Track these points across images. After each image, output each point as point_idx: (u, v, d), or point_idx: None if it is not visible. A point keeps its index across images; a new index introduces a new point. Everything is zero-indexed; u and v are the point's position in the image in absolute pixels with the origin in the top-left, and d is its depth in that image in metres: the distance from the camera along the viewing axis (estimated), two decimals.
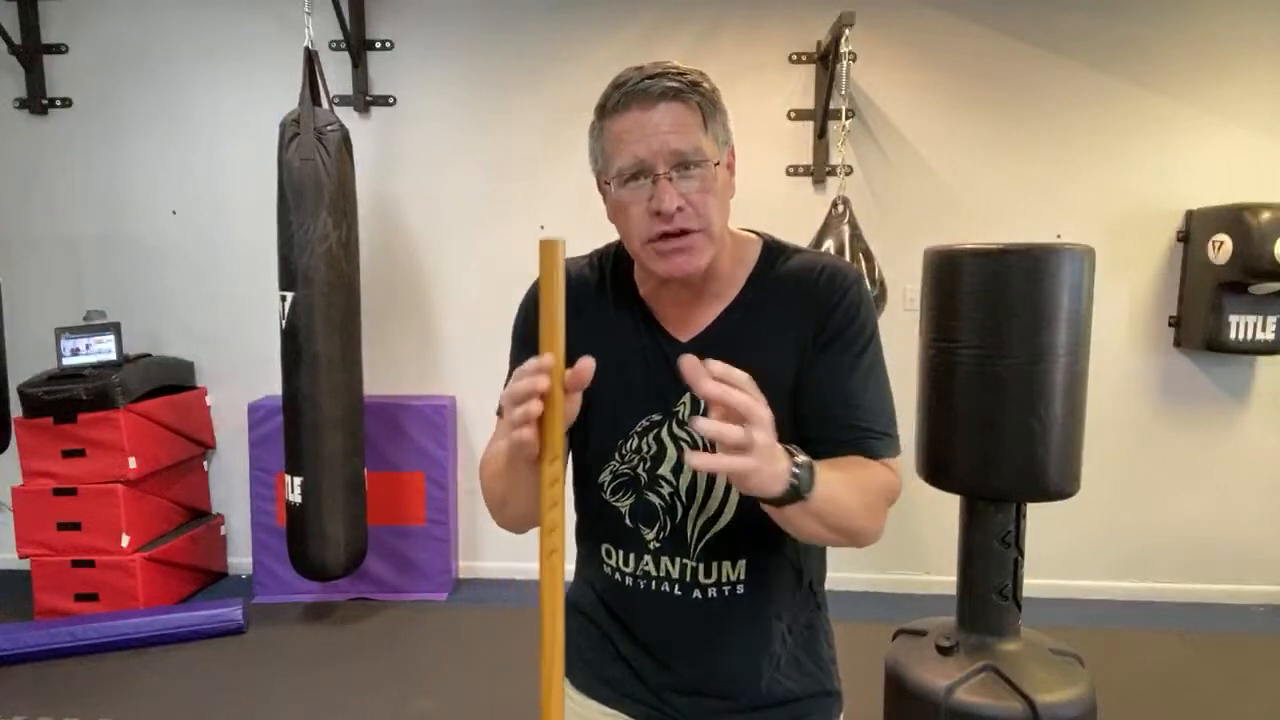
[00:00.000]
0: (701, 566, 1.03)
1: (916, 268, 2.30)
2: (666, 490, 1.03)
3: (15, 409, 3.26)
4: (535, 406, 0.80)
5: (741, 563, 1.03)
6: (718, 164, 0.97)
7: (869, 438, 0.99)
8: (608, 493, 1.06)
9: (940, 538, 3.27)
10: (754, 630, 1.06)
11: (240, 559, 3.86)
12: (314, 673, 2.96)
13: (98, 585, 3.32)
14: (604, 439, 1.06)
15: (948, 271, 2.11)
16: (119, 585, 3.31)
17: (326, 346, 3.07)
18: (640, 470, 1.04)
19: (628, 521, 1.06)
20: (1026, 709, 1.95)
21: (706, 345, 0.99)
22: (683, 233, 0.95)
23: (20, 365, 3.32)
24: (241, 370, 3.74)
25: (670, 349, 1.02)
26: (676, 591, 1.05)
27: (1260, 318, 3.27)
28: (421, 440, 3.56)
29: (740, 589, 1.04)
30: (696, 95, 0.95)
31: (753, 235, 1.09)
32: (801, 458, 0.83)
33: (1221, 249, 3.22)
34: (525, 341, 1.07)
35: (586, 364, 0.82)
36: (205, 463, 3.86)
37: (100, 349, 3.41)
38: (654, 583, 1.06)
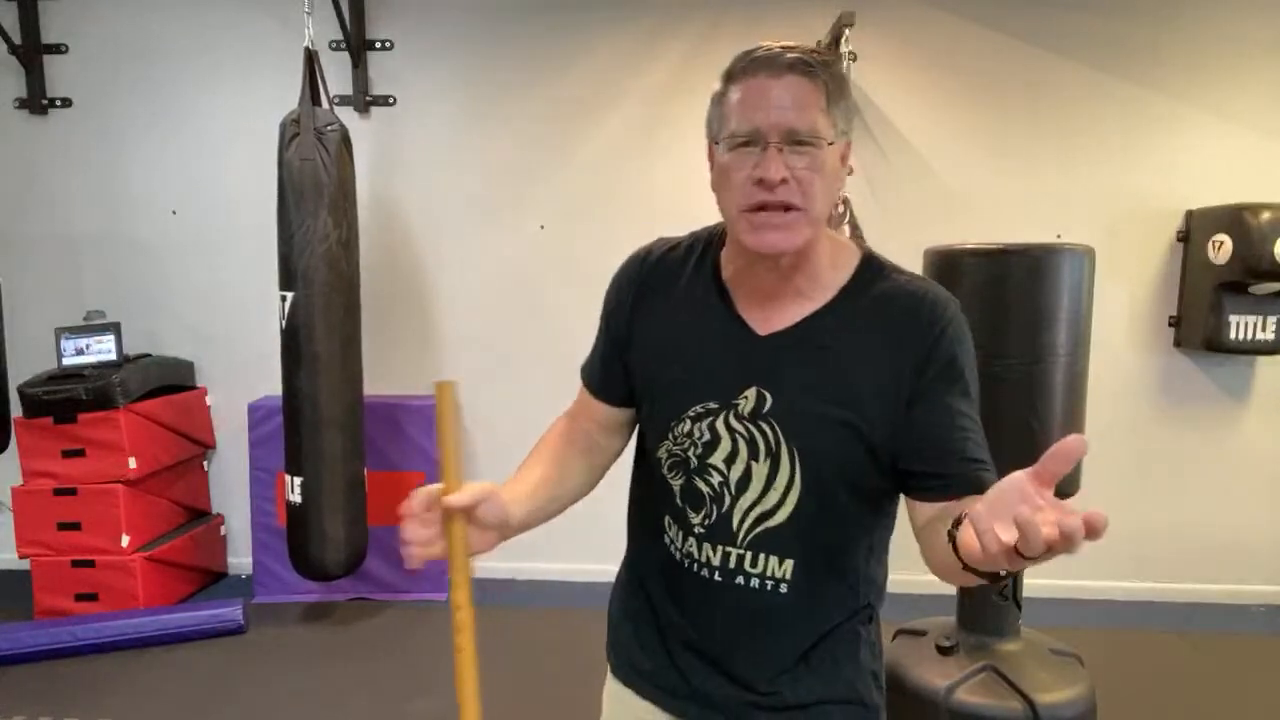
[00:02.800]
0: (749, 555, 1.03)
1: (916, 268, 2.29)
2: (716, 479, 1.02)
3: (15, 409, 3.26)
4: (430, 553, 0.94)
5: (789, 562, 1.02)
6: (831, 144, 0.94)
7: (982, 471, 0.97)
8: (665, 470, 1.07)
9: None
10: (791, 628, 1.05)
11: (240, 559, 3.86)
12: (314, 673, 2.95)
13: (98, 585, 3.32)
14: (660, 417, 1.06)
15: (948, 271, 2.11)
16: (119, 585, 3.31)
17: (326, 346, 3.07)
18: (691, 455, 1.03)
19: (678, 501, 1.06)
20: (1026, 709, 1.95)
21: (788, 343, 1.00)
22: (784, 208, 0.92)
23: (20, 365, 3.31)
24: (241, 370, 3.73)
25: (745, 340, 1.01)
26: (717, 578, 1.04)
27: (1260, 318, 3.26)
28: (421, 440, 3.55)
29: (784, 588, 1.03)
30: (825, 74, 0.93)
31: (851, 245, 1.07)
32: None
33: (1221, 249, 3.22)
34: (608, 314, 1.13)
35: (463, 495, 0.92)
36: (205, 463, 3.86)
37: (100, 349, 3.41)
38: (696, 565, 1.06)
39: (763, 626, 1.05)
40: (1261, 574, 3.58)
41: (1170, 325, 3.52)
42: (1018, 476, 0.75)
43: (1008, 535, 0.72)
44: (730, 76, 0.95)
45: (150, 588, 3.35)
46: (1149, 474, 3.58)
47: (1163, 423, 3.57)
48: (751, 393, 0.99)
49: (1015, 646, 2.16)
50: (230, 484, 3.84)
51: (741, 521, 1.02)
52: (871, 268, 1.03)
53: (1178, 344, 3.51)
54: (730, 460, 1.01)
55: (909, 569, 3.67)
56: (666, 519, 1.09)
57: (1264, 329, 3.27)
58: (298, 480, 3.10)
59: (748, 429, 1.00)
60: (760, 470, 1.00)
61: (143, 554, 3.34)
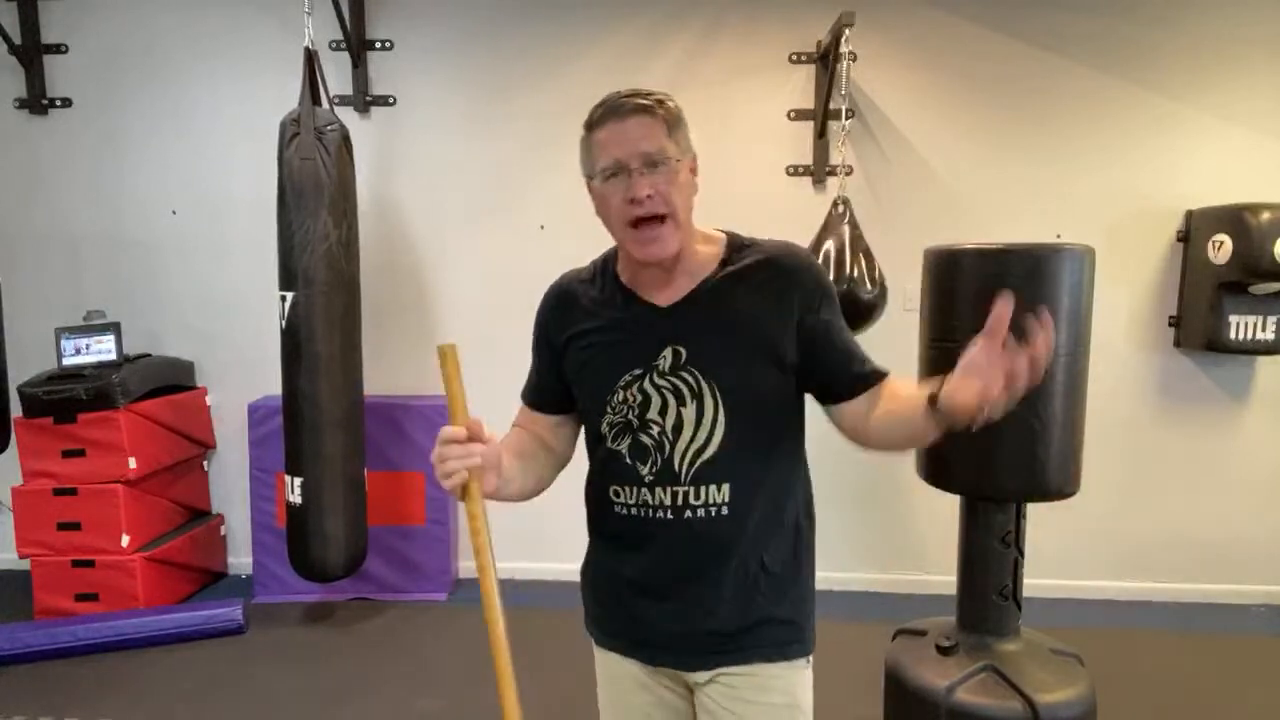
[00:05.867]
0: (691, 490, 1.22)
1: (916, 268, 2.30)
2: (655, 430, 1.22)
3: (15, 409, 3.26)
4: (461, 479, 1.09)
5: (725, 486, 1.21)
6: (679, 160, 1.18)
7: (869, 367, 1.26)
8: (609, 440, 1.25)
9: (940, 538, 3.26)
10: (738, 551, 1.24)
11: (240, 559, 3.86)
12: (314, 673, 2.95)
13: (98, 585, 3.32)
14: (597, 396, 1.26)
15: (948, 271, 2.11)
16: (119, 585, 3.31)
17: (326, 346, 3.07)
18: (630, 417, 1.23)
19: (627, 460, 1.24)
20: (1026, 709, 1.95)
21: (687, 306, 1.23)
22: (654, 219, 1.16)
23: (20, 365, 3.32)
24: (241, 370, 3.73)
25: (651, 313, 1.24)
26: (669, 516, 1.23)
27: (1260, 318, 3.27)
28: (421, 440, 3.55)
29: (725, 509, 1.22)
30: (661, 110, 1.18)
31: (719, 233, 1.30)
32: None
33: (1221, 249, 3.22)
34: (539, 339, 1.37)
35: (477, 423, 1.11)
36: (205, 463, 3.86)
37: (100, 349, 3.41)
38: (650, 510, 1.24)
39: (711, 551, 1.23)
40: (1261, 574, 3.59)
41: (1170, 325, 3.52)
42: (976, 342, 1.05)
43: (991, 383, 1.02)
44: (591, 126, 1.20)
45: (150, 588, 3.36)
46: (1149, 474, 3.58)
47: (1163, 423, 3.57)
48: (668, 352, 1.21)
49: (1015, 646, 2.16)
50: (230, 484, 3.84)
51: (681, 461, 1.21)
52: (739, 241, 1.28)
53: (1178, 344, 3.52)
54: (663, 412, 1.21)
55: (909, 569, 3.66)
56: (613, 489, 1.27)
57: (1264, 329, 3.27)
58: (297, 481, 3.10)
59: (670, 381, 1.21)
60: (689, 414, 1.20)
61: (143, 554, 3.35)
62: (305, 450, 3.08)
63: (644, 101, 1.18)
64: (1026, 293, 2.00)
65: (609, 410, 1.24)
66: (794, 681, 1.29)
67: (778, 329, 1.21)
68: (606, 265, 1.32)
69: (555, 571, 3.62)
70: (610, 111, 1.18)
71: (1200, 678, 2.94)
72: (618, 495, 1.27)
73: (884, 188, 3.52)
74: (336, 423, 3.10)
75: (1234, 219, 3.18)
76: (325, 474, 3.10)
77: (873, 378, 1.25)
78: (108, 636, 3.05)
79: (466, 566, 3.80)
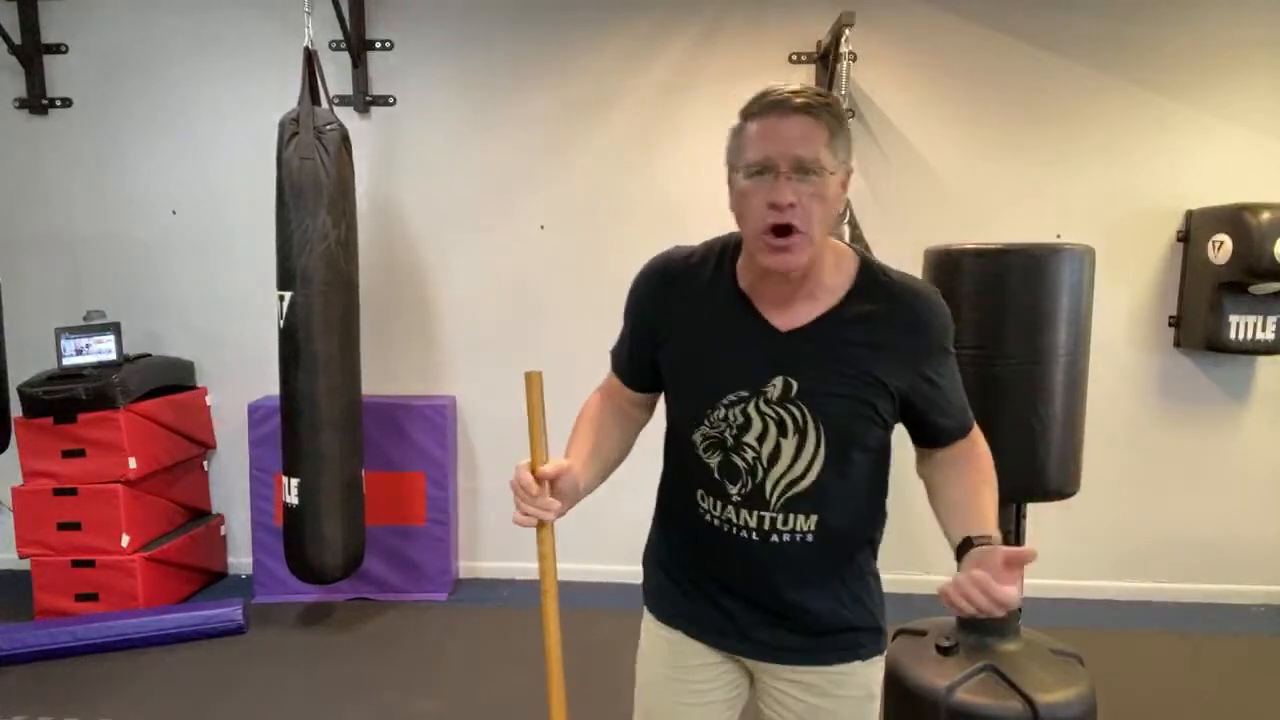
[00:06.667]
0: (780, 517, 1.21)
1: (916, 268, 2.29)
2: (750, 455, 1.20)
3: (15, 409, 3.26)
4: (533, 523, 1.16)
5: (814, 517, 1.21)
6: (833, 173, 1.10)
7: (967, 417, 1.28)
8: (700, 450, 1.23)
9: (940, 538, 3.26)
10: (822, 572, 1.25)
11: (240, 559, 3.86)
12: (314, 673, 2.95)
13: (98, 585, 3.32)
14: (694, 406, 1.22)
15: (948, 271, 2.11)
16: (119, 585, 3.31)
17: (325, 346, 3.07)
18: (727, 435, 1.20)
19: (715, 475, 1.23)
20: (1026, 709, 1.95)
21: (806, 338, 1.18)
22: (790, 231, 1.09)
23: (20, 365, 3.31)
24: (241, 370, 3.73)
25: (769, 337, 1.18)
26: (754, 538, 1.22)
27: (1260, 318, 3.26)
28: (421, 440, 3.56)
29: (810, 538, 1.22)
30: (827, 114, 1.09)
31: (850, 250, 1.23)
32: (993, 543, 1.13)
33: (1221, 249, 3.22)
34: (634, 317, 1.31)
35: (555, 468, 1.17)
36: (205, 463, 3.86)
37: (100, 349, 3.41)
38: (734, 528, 1.24)
39: (794, 571, 1.24)
40: (1261, 574, 3.59)
41: (1170, 325, 3.52)
42: (994, 562, 1.08)
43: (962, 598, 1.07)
44: (748, 114, 1.13)
45: (150, 588, 3.36)
46: (1149, 474, 3.58)
47: (1163, 423, 3.57)
48: (779, 381, 1.17)
49: (1015, 646, 2.16)
50: (230, 484, 3.84)
51: (774, 489, 1.20)
52: (870, 271, 1.21)
53: (1178, 344, 3.52)
54: (761, 439, 1.18)
55: (909, 569, 3.67)
56: (699, 493, 1.26)
57: (1264, 329, 3.27)
58: (294, 481, 3.09)
59: (776, 411, 1.17)
60: (789, 445, 1.18)
61: (143, 554, 3.34)
62: (302, 451, 3.08)
63: (811, 102, 1.08)
64: (1026, 293, 2.00)
65: (706, 423, 1.21)
66: (871, 675, 1.31)
67: (895, 376, 1.18)
68: (724, 257, 1.24)
69: (567, 572, 3.62)
70: (773, 105, 1.09)
71: (1200, 678, 2.94)
72: (702, 500, 1.26)
73: (884, 188, 3.52)
74: (334, 423, 3.10)
75: (1234, 219, 3.18)
76: (323, 475, 3.09)
77: (958, 433, 1.27)
78: (108, 636, 3.04)
79: (466, 566, 3.80)
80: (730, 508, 1.23)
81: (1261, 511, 3.57)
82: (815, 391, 1.16)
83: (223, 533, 3.87)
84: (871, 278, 1.20)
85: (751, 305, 1.20)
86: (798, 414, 1.17)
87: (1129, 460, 3.55)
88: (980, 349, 2.02)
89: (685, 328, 1.23)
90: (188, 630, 3.14)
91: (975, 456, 1.28)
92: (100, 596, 3.32)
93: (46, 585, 3.33)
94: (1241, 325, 3.27)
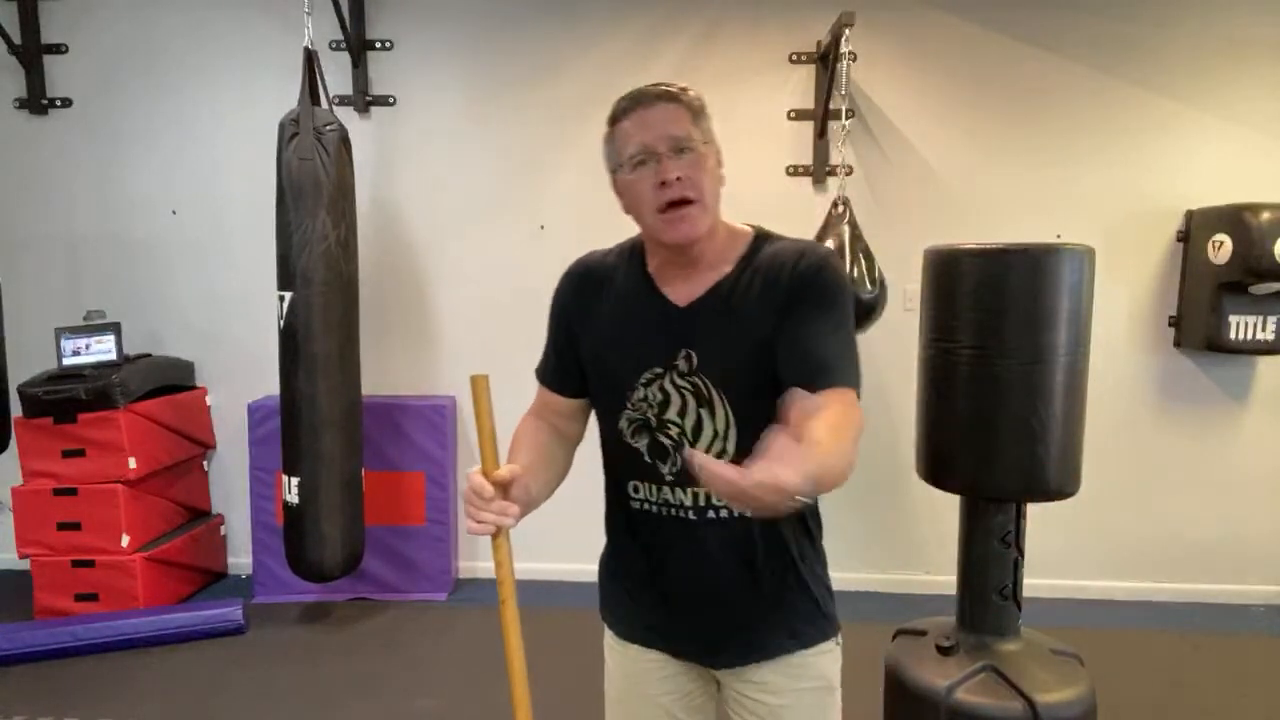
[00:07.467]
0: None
1: (916, 268, 2.30)
2: (674, 431, 1.22)
3: (15, 409, 3.26)
4: (490, 530, 1.12)
5: None
6: (706, 144, 1.17)
7: (829, 375, 1.10)
8: (628, 435, 1.25)
9: (940, 538, 3.26)
10: (761, 547, 1.24)
11: (240, 559, 3.86)
12: (314, 673, 2.96)
13: (98, 585, 3.32)
14: (615, 390, 1.25)
15: (947, 271, 2.11)
16: (119, 585, 3.31)
17: (325, 346, 3.07)
18: (649, 415, 1.23)
19: (646, 458, 1.24)
20: (1026, 709, 1.95)
21: (700, 309, 1.21)
22: (684, 202, 1.14)
23: (20, 365, 3.31)
24: (241, 370, 3.73)
25: (668, 313, 1.23)
26: (691, 516, 1.23)
27: (1260, 318, 3.27)
28: (421, 440, 3.56)
29: (744, 512, 1.17)
30: (685, 98, 1.18)
31: (747, 228, 1.28)
32: (804, 480, 0.88)
33: (1221, 249, 3.22)
34: (556, 319, 1.37)
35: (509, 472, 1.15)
36: (205, 463, 3.86)
37: (100, 349, 3.41)
38: (671, 509, 1.25)
39: (734, 549, 1.24)
40: (1261, 574, 3.59)
41: (1170, 325, 3.52)
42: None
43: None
44: (615, 117, 1.20)
45: (150, 588, 3.36)
46: (1149, 473, 3.58)
47: (1163, 423, 3.57)
48: (683, 354, 1.20)
49: (1015, 646, 2.16)
50: (230, 484, 3.84)
51: None
52: (761, 240, 1.25)
53: (1178, 344, 3.52)
54: (683, 413, 1.21)
55: (909, 569, 3.66)
56: (633, 484, 1.28)
57: (1264, 329, 3.27)
58: (294, 481, 3.09)
59: (690, 382, 1.20)
60: (707, 415, 1.20)
61: (143, 554, 3.34)
62: (302, 450, 3.08)
63: (668, 89, 1.18)
64: (1026, 293, 2.00)
65: (629, 406, 1.24)
66: (826, 666, 1.31)
67: (774, 328, 1.16)
68: (634, 252, 1.31)
69: (552, 572, 3.62)
70: (635, 101, 1.18)
71: (1200, 678, 2.94)
72: (636, 490, 1.28)
73: (884, 188, 3.52)
74: (334, 423, 3.10)
75: (1234, 219, 3.18)
76: (323, 474, 3.09)
77: (805, 380, 1.08)
78: (108, 636, 3.05)
79: (466, 566, 3.80)
80: (665, 489, 1.24)
81: (1261, 511, 3.57)
82: (711, 362, 1.19)
83: (222, 533, 3.88)
84: (760, 247, 1.23)
85: (655, 286, 1.25)
86: (703, 386, 1.19)
87: (1129, 460, 3.55)
88: (980, 349, 2.02)
89: (602, 319, 1.28)
90: (188, 630, 3.14)
91: (823, 405, 1.05)
92: (100, 596, 3.32)
93: (46, 585, 3.33)
94: (1241, 325, 3.27)
